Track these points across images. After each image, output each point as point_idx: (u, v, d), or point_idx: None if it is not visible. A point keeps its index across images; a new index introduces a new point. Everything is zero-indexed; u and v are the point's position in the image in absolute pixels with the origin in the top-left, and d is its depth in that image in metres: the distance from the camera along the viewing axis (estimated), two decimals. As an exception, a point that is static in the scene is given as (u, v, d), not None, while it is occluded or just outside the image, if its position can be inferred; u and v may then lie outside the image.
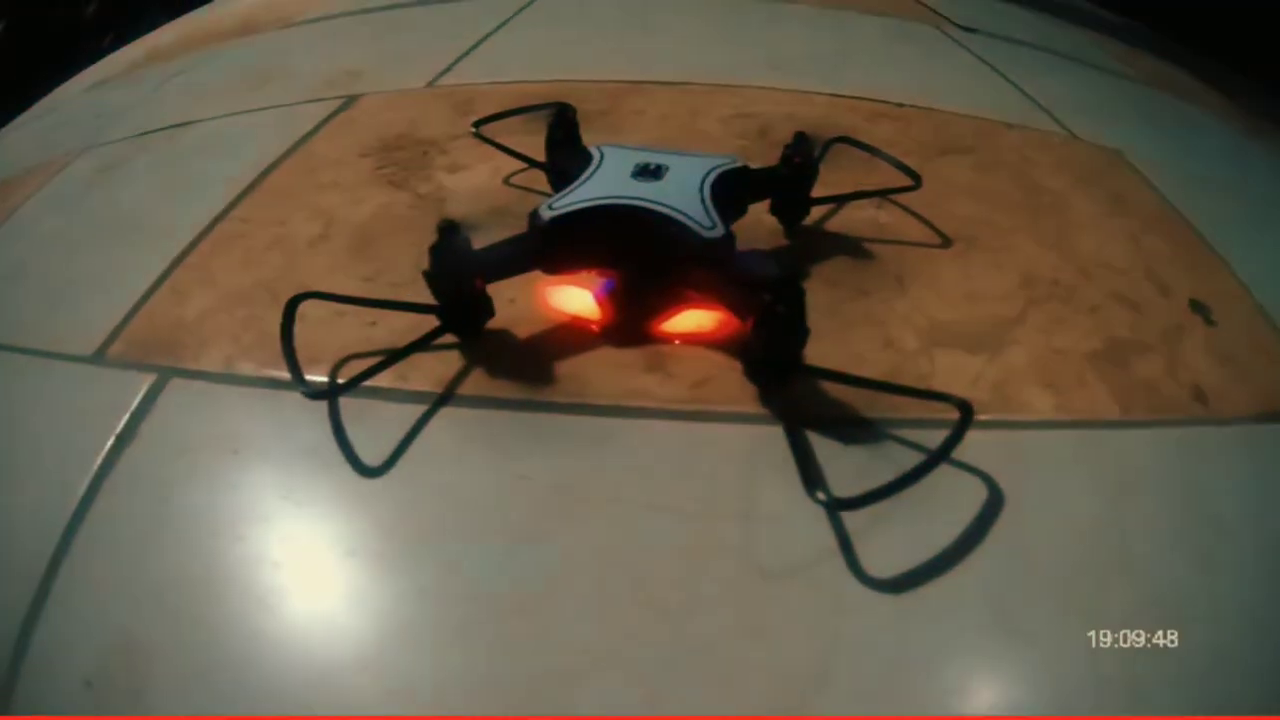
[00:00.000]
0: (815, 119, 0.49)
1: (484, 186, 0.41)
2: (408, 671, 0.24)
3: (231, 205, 0.46)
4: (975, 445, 0.27)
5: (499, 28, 0.69)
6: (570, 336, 0.31)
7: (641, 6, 0.75)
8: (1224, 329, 0.41)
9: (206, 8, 1.36)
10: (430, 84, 0.58)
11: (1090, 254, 0.43)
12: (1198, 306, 0.43)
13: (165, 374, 0.35)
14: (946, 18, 0.89)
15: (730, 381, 0.29)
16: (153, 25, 1.79)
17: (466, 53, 0.63)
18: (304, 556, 0.28)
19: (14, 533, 0.32)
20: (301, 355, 0.30)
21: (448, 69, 0.60)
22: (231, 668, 0.26)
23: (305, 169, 0.48)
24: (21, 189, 0.61)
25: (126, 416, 0.34)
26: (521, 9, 0.75)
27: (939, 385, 0.29)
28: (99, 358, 0.38)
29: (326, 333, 0.33)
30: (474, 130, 0.42)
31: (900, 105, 0.55)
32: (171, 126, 0.63)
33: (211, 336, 0.35)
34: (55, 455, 0.34)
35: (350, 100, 0.57)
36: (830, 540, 0.25)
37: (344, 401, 0.29)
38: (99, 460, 0.33)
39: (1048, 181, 0.50)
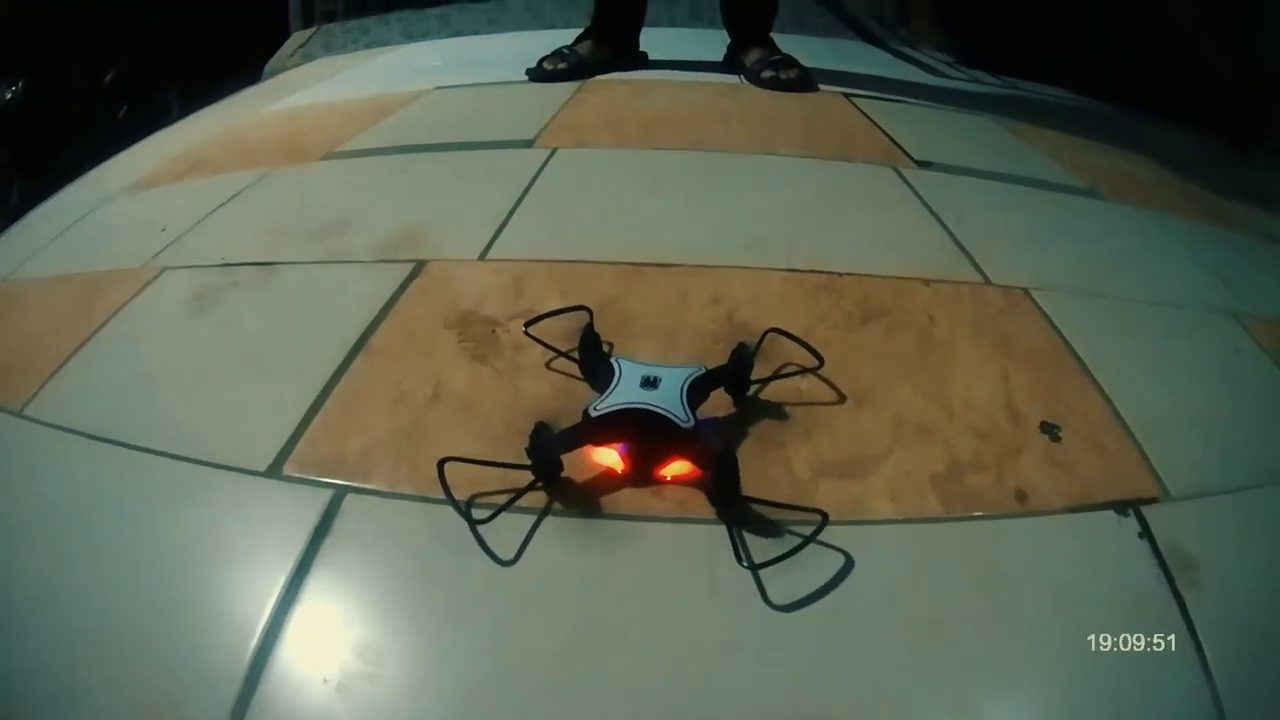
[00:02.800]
0: (770, 297, 0.80)
1: (537, 364, 0.71)
2: (536, 639, 0.53)
3: (348, 360, 0.75)
4: (836, 534, 0.56)
5: (524, 195, 1.00)
6: (604, 479, 0.61)
7: (635, 177, 1.07)
8: (1069, 443, 0.69)
9: (233, 107, 1.69)
10: (481, 257, 0.88)
11: (958, 397, 0.72)
12: (1047, 427, 0.71)
13: (341, 490, 0.63)
14: (906, 152, 1.20)
15: (698, 501, 0.59)
16: (165, 101, 2.12)
17: (503, 225, 0.93)
18: (471, 605, 0.55)
19: (235, 594, 0.57)
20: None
21: (491, 242, 0.90)
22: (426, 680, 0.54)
23: (402, 334, 0.77)
24: (107, 293, 0.90)
25: (318, 518, 0.62)
26: (539, 171, 1.06)
27: (819, 502, 0.58)
28: (275, 473, 0.66)
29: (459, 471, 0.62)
30: (525, 330, 0.72)
31: (840, 275, 0.86)
32: (255, 264, 0.92)
33: (373, 467, 0.64)
34: (259, 541, 0.61)
35: (419, 266, 0.87)
36: (751, 584, 0.54)
37: (477, 513, 0.59)
38: (302, 546, 0.60)
39: (945, 334, 0.79)
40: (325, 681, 0.53)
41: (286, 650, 0.54)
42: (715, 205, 0.98)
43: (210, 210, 1.08)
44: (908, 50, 2.14)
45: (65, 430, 0.72)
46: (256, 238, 0.98)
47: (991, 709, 0.52)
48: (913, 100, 1.56)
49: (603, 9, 1.60)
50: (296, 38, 2.31)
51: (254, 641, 0.55)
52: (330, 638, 0.55)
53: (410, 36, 2.12)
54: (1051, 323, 0.82)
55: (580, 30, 1.62)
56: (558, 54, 1.56)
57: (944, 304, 0.84)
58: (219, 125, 1.57)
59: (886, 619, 0.54)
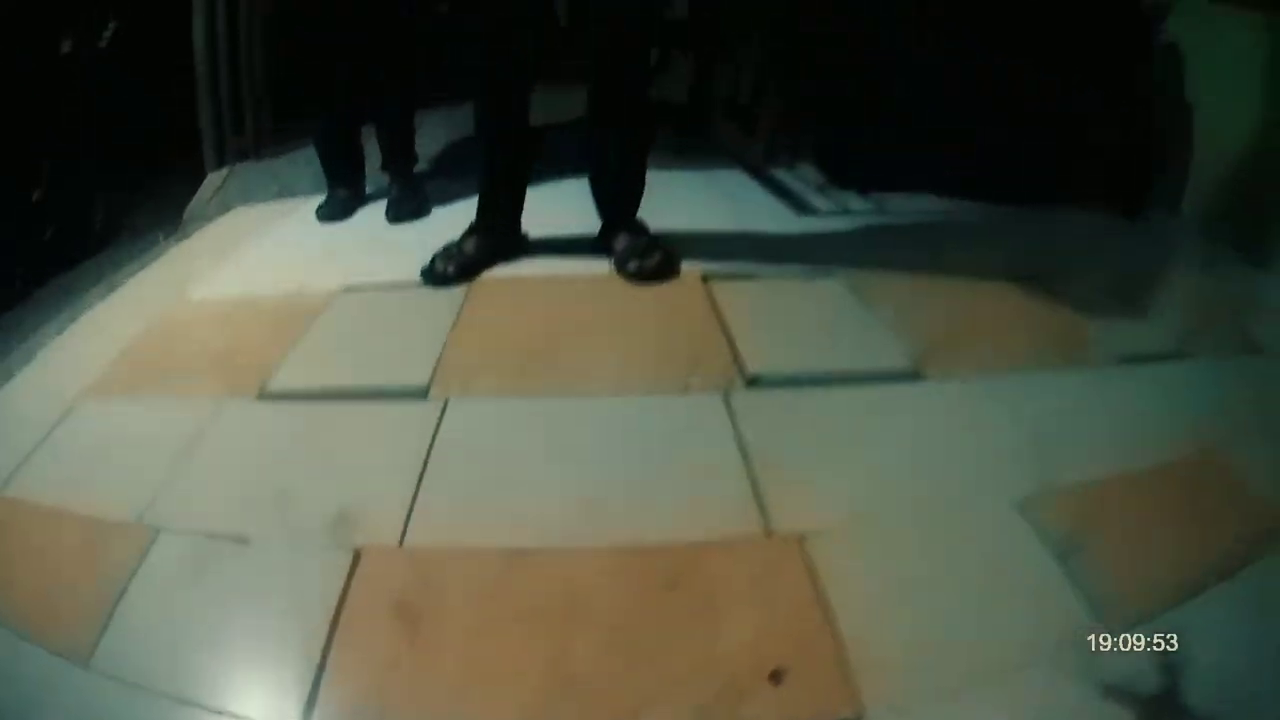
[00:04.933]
0: (595, 576, 1.04)
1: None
2: None
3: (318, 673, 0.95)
4: None
5: (425, 468, 1.22)
6: None
7: (512, 438, 1.28)
8: (790, 684, 0.96)
9: (158, 284, 1.81)
10: (399, 544, 1.10)
11: (718, 653, 0.96)
12: (776, 675, 0.97)
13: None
14: (741, 368, 1.42)
15: None
16: (90, 220, 2.11)
17: (411, 510, 1.15)
18: None
19: None
20: None
21: (405, 526, 1.12)
22: None
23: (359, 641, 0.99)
24: (114, 547, 1.12)
25: None
26: (435, 432, 1.28)
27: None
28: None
29: None
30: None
31: (653, 550, 1.10)
32: (230, 539, 1.12)
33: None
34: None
35: (357, 557, 1.07)
36: None
37: None
38: None
39: (722, 597, 1.01)
40: None
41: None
42: (570, 477, 1.21)
43: (173, 452, 1.30)
44: (780, 176, 2.24)
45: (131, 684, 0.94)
46: (223, 505, 1.20)
47: None
48: (765, 266, 1.73)
49: (484, 210, 1.78)
50: (211, 180, 2.39)
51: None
52: None
53: (318, 182, 2.17)
54: (813, 571, 1.02)
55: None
56: (447, 252, 1.74)
57: (729, 564, 1.04)
58: (150, 311, 1.74)
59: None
